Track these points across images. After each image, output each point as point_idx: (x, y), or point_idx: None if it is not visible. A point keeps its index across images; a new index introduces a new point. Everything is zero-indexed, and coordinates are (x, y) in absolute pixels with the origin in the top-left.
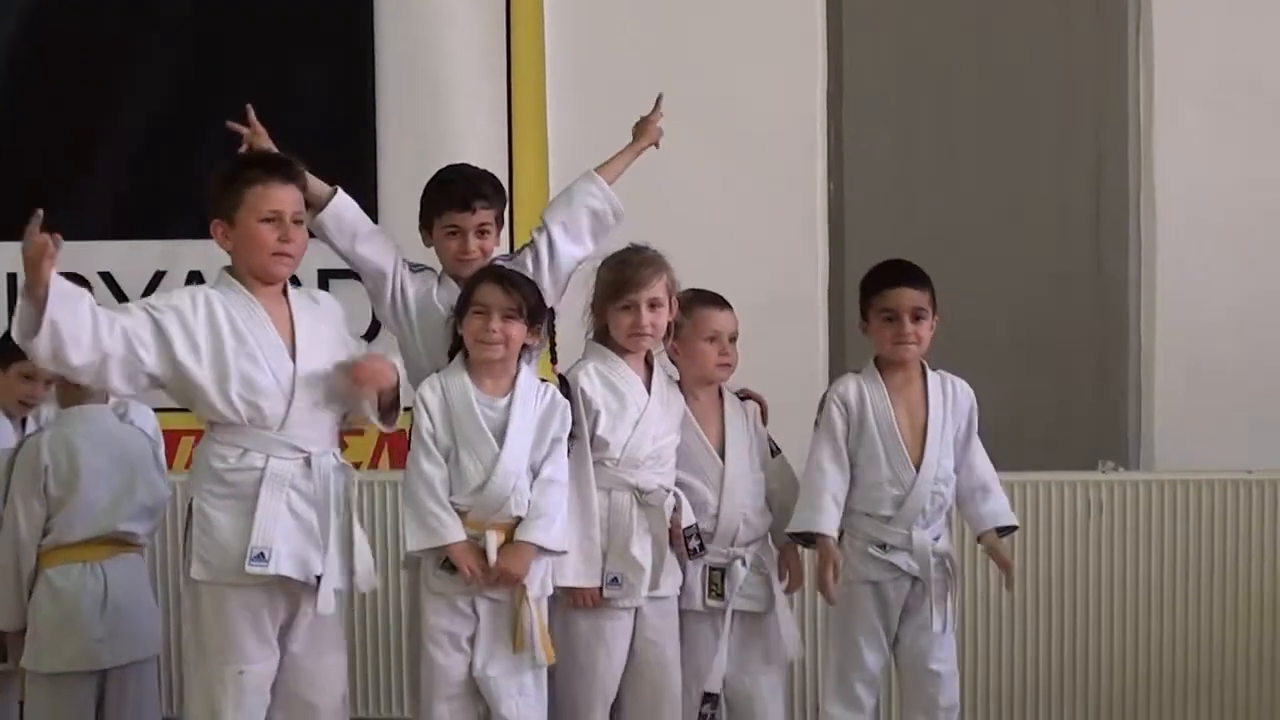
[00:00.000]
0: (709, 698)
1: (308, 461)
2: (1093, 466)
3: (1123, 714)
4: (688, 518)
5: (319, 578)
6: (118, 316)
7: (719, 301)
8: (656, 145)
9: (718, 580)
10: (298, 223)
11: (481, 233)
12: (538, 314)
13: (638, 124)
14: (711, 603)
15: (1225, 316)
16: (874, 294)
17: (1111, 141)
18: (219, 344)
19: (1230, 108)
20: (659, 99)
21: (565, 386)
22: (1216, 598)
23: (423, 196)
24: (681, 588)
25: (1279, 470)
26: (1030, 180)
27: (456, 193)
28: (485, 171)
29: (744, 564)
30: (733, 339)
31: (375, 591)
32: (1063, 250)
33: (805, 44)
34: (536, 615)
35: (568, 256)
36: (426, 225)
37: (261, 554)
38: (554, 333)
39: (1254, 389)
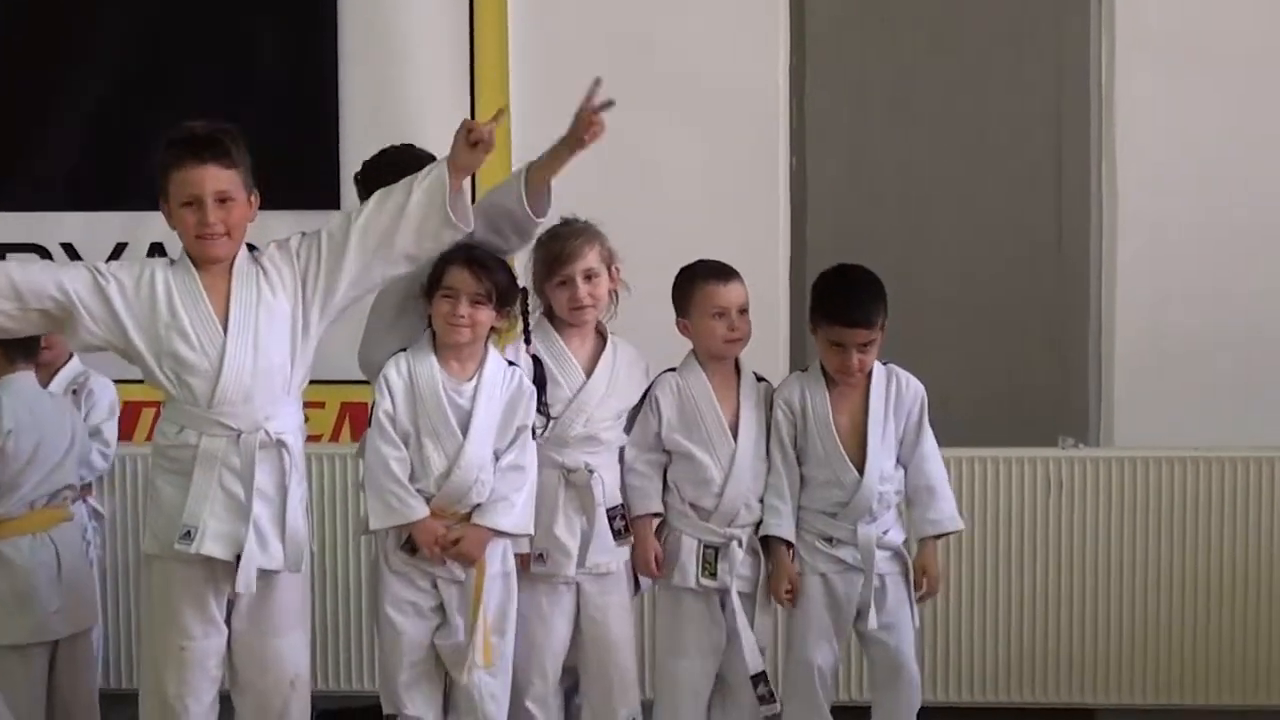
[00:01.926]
0: (758, 679)
1: (237, 439)
2: (1052, 442)
3: (1083, 691)
4: (611, 498)
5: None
6: (53, 268)
7: (723, 273)
8: (588, 138)
9: (711, 559)
10: (222, 202)
11: None
12: (508, 297)
13: (574, 117)
14: (705, 581)
15: (1188, 290)
16: (823, 318)
17: (1072, 112)
18: (154, 319)
19: (1194, 73)
20: (595, 83)
21: (539, 366)
22: (1177, 575)
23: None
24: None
25: (1241, 447)
26: (992, 152)
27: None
28: (399, 149)
29: (740, 545)
30: (742, 310)
31: (337, 567)
32: (1023, 222)
33: (768, 17)
34: (483, 618)
35: (486, 246)
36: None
37: (189, 532)
38: (526, 312)
39: (1217, 365)
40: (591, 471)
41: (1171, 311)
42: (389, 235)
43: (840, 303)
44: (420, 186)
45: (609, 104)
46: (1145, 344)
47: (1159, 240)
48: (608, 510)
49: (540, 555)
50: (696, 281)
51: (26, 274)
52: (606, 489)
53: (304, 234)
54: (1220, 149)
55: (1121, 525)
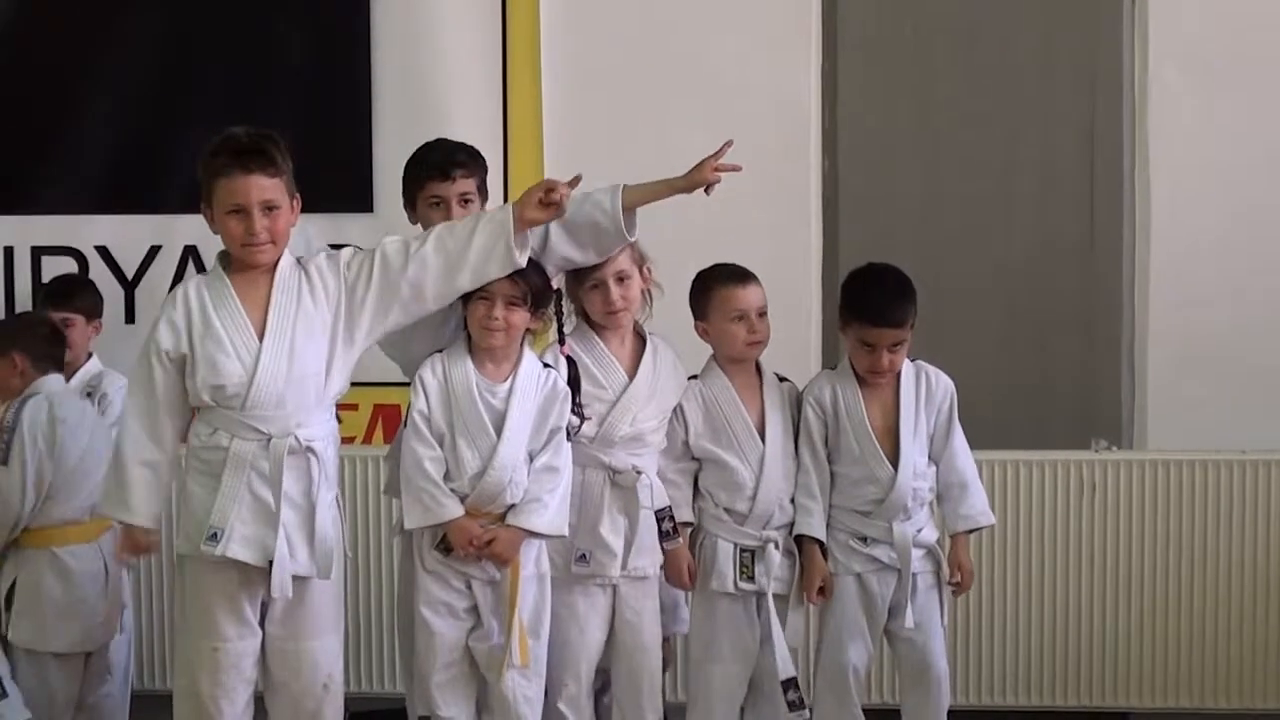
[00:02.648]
0: (789, 684)
1: (267, 444)
2: (1085, 445)
3: (1116, 695)
4: (660, 500)
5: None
6: (134, 392)
7: (741, 277)
8: (707, 192)
9: (748, 562)
10: (268, 210)
11: (464, 202)
12: (543, 299)
13: (698, 164)
14: (743, 585)
15: (1221, 292)
16: (853, 318)
17: (1105, 114)
18: (190, 330)
19: (1226, 74)
20: (726, 145)
21: (573, 367)
22: (1210, 578)
23: (403, 175)
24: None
25: (1274, 450)
26: (1023, 154)
27: (434, 163)
28: (461, 143)
29: (777, 547)
30: (761, 313)
31: (368, 569)
32: (1055, 222)
33: (800, 24)
34: (518, 619)
35: (559, 254)
36: (410, 203)
37: (215, 534)
38: (560, 314)
39: (1250, 366)
40: (639, 473)
41: (1204, 314)
42: (449, 272)
43: (870, 303)
44: (483, 232)
45: (736, 168)
46: (1178, 346)
47: (1191, 242)
48: (656, 512)
49: (583, 556)
50: (715, 285)
51: (141, 424)
52: (655, 491)
53: (356, 249)
54: (1252, 150)
55: (1155, 528)
